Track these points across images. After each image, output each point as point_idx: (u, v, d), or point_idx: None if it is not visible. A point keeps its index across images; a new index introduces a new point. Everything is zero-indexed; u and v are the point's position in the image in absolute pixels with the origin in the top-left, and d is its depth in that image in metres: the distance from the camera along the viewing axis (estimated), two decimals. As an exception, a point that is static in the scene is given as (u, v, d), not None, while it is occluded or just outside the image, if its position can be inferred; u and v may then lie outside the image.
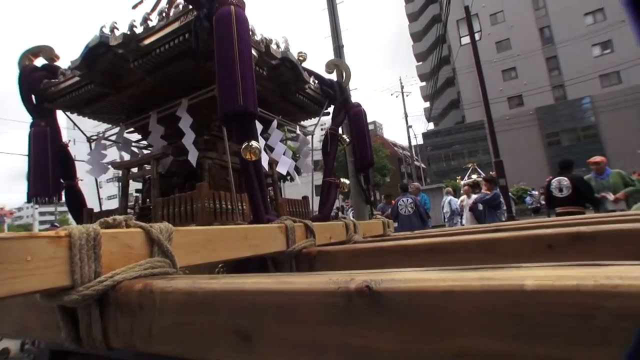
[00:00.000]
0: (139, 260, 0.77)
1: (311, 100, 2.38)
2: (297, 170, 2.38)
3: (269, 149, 2.08)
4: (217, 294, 0.54)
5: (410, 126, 29.35)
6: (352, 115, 2.43)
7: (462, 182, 15.52)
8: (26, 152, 2.04)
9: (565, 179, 4.88)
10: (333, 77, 2.66)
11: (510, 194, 9.10)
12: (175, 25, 1.52)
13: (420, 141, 38.56)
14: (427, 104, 39.86)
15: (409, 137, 29.43)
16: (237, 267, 1.46)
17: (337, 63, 2.63)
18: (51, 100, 2.05)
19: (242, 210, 1.71)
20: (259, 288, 0.51)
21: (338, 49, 6.34)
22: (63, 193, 2.17)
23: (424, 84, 40.48)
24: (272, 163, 2.11)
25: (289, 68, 2.01)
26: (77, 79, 1.87)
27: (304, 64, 2.36)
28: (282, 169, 2.00)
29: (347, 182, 2.27)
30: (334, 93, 2.46)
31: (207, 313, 0.55)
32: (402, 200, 7.04)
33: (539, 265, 0.47)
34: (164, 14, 1.67)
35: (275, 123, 2.03)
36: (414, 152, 37.43)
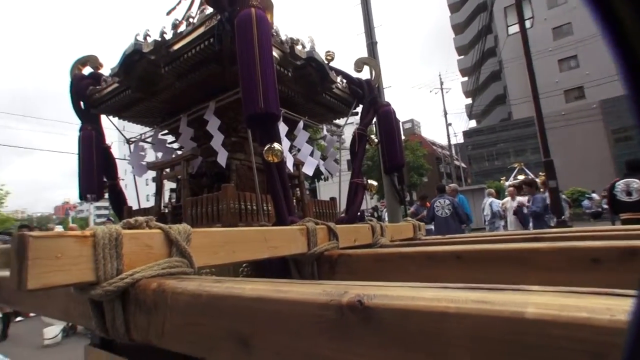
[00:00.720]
0: (158, 260, 0.82)
1: (339, 100, 2.37)
2: (328, 171, 2.39)
3: (295, 150, 2.11)
4: (219, 297, 0.57)
5: (450, 124, 28.38)
6: (381, 115, 2.40)
7: (507, 183, 14.69)
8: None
9: (636, 181, 4.33)
10: (363, 76, 2.64)
11: (563, 196, 8.43)
12: (201, 30, 1.58)
13: (461, 140, 37.20)
14: (469, 100, 38.39)
15: (448, 135, 28.50)
16: (260, 267, 1.50)
17: (366, 61, 2.60)
18: (95, 106, 2.20)
19: (267, 211, 1.75)
20: (257, 295, 0.53)
21: (371, 45, 6.27)
22: (106, 192, 2.33)
23: (465, 79, 39.02)
24: (299, 164, 2.13)
25: (314, 68, 2.01)
26: (116, 85, 2.00)
27: (332, 63, 2.37)
28: (308, 170, 2.02)
29: (375, 183, 2.24)
30: (363, 92, 2.44)
31: (210, 316, 0.57)
32: (439, 202, 6.84)
33: (548, 289, 0.43)
34: (190, 19, 1.74)
35: (301, 124, 2.05)
36: (453, 151, 36.18)
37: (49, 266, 0.64)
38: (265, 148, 1.40)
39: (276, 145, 1.42)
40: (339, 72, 2.42)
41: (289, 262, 1.44)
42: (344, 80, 2.43)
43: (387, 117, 2.40)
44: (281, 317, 0.49)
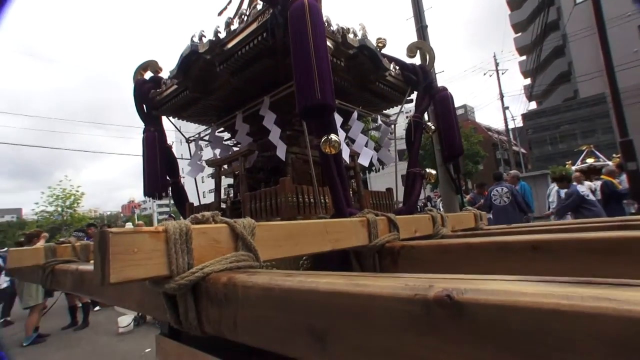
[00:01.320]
0: (225, 254, 0.82)
1: (392, 87, 2.29)
2: (380, 161, 2.32)
3: (350, 140, 2.07)
4: (292, 291, 0.55)
5: (507, 107, 26.55)
6: (437, 101, 2.28)
7: (574, 168, 13.36)
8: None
9: None
10: (416, 61, 2.52)
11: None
12: (254, 25, 1.58)
13: (519, 123, 34.75)
14: (528, 81, 35.69)
15: (505, 119, 26.66)
16: (320, 260, 1.48)
17: (420, 45, 2.48)
18: (157, 108, 2.32)
19: (324, 204, 1.73)
20: (332, 289, 0.50)
21: (421, 29, 6.01)
22: (170, 190, 2.46)
23: (523, 57, 36.27)
24: (354, 155, 2.09)
25: (367, 56, 1.95)
26: (175, 87, 2.08)
27: (384, 51, 2.28)
28: (364, 160, 1.97)
29: (434, 172, 2.13)
30: (417, 78, 2.33)
31: (283, 310, 0.55)
32: (497, 190, 6.43)
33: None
34: (243, 17, 1.76)
35: (355, 114, 2.00)
36: (511, 136, 33.89)
37: (127, 261, 0.67)
38: (322, 140, 1.37)
39: (333, 136, 1.39)
40: (391, 59, 2.33)
41: (349, 254, 1.41)
42: (397, 67, 2.33)
43: (444, 102, 2.27)
44: (359, 312, 0.46)
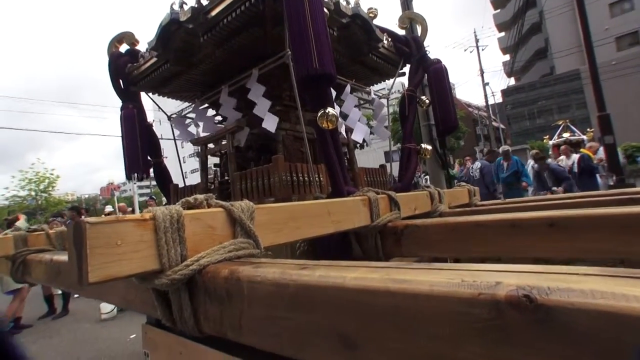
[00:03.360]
0: (222, 242, 0.73)
1: (385, 60, 2.17)
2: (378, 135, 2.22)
3: (343, 116, 1.96)
4: (312, 288, 0.46)
5: (487, 83, 26.66)
6: (431, 73, 2.18)
7: (551, 142, 13.66)
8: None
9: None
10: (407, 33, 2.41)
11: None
12: (241, -10, 1.43)
13: (499, 99, 35.15)
14: (507, 57, 35.89)
15: (485, 95, 26.74)
16: (318, 242, 1.40)
17: (412, 16, 2.36)
18: (135, 83, 2.14)
19: (319, 182, 1.64)
20: (364, 286, 0.41)
21: (406, 2, 5.82)
22: (152, 170, 2.31)
23: (502, 34, 36.32)
24: (347, 131, 1.99)
25: (360, 26, 1.83)
26: (154, 60, 1.91)
27: (375, 22, 2.16)
28: (357, 137, 1.87)
29: (429, 147, 2.07)
30: (410, 50, 2.22)
31: (302, 310, 0.47)
32: (474, 164, 6.81)
33: None
34: None
35: (348, 88, 1.89)
36: (491, 112, 34.26)
37: (109, 255, 0.57)
38: (319, 114, 1.27)
39: (330, 110, 1.29)
40: (383, 30, 2.21)
41: (349, 235, 1.33)
42: (389, 39, 2.21)
43: (438, 75, 2.18)
44: (402, 314, 0.38)
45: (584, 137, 12.49)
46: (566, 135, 13.59)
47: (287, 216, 0.90)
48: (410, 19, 2.38)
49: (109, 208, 11.89)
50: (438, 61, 2.23)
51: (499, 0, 36.31)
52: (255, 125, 1.81)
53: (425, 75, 2.22)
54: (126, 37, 2.27)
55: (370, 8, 2.16)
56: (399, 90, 2.99)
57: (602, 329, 0.27)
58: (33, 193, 23.60)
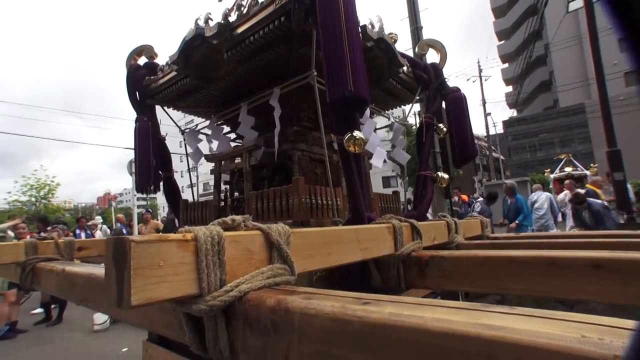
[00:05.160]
0: (258, 266, 0.69)
1: (403, 85, 2.19)
2: (393, 160, 2.21)
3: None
4: (381, 327, 0.42)
5: (489, 114, 26.99)
6: (450, 101, 2.19)
7: (552, 176, 13.61)
8: (131, 146, 2.17)
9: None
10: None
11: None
12: (270, 8, 1.44)
13: (500, 130, 35.52)
14: (509, 88, 36.52)
15: (486, 125, 27.07)
16: (336, 269, 1.35)
17: (431, 43, 2.39)
18: (151, 96, 2.14)
19: (337, 207, 1.61)
20: (449, 329, 0.38)
21: (416, 31, 5.95)
22: (161, 184, 2.28)
23: (506, 65, 37.08)
24: (366, 155, 1.98)
25: (383, 50, 1.84)
26: (173, 74, 1.92)
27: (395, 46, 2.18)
28: (377, 161, 1.85)
29: (446, 176, 2.05)
30: (429, 77, 2.24)
31: (368, 351, 0.43)
32: (475, 206, 6.96)
33: None
34: (242, 8, 1.60)
35: (368, 112, 1.88)
36: (491, 143, 34.50)
37: (151, 277, 0.53)
38: (346, 137, 1.25)
39: (357, 133, 1.27)
40: (403, 56, 2.23)
41: (369, 263, 1.29)
42: (408, 65, 2.23)
43: (456, 103, 2.19)
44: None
45: (587, 172, 12.49)
46: (568, 169, 13.61)
47: (321, 241, 0.87)
48: (430, 46, 2.41)
49: (98, 218, 11.74)
50: (457, 89, 2.24)
51: (504, 31, 37.26)
52: (270, 145, 1.79)
53: (443, 103, 2.23)
54: (145, 50, 2.29)
55: (391, 33, 2.19)
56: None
57: None
58: (33, 199, 23.50)
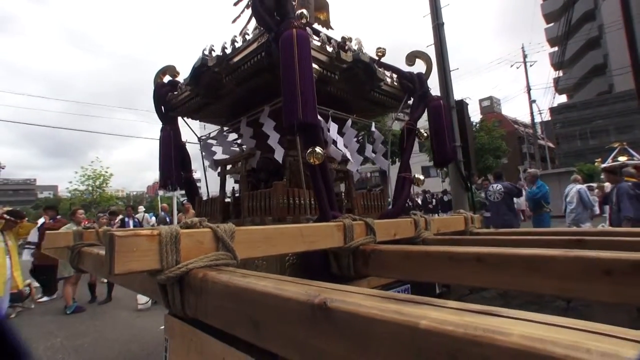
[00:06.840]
0: (207, 253, 1.03)
1: (388, 95, 2.43)
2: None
3: (344, 146, 2.23)
4: (241, 289, 0.74)
5: (534, 100, 25.61)
6: (431, 109, 2.40)
7: (603, 165, 12.56)
8: (156, 152, 2.60)
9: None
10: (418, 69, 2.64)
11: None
12: (254, 45, 1.77)
13: (547, 117, 33.48)
14: (558, 73, 34.25)
15: (531, 112, 25.76)
16: (304, 257, 1.68)
17: (418, 55, 2.59)
18: (173, 109, 2.56)
19: (314, 206, 1.92)
20: (262, 289, 0.69)
21: (437, 27, 6.00)
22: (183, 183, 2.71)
23: (554, 49, 34.74)
24: (347, 160, 2.26)
25: (361, 69, 2.10)
26: (188, 92, 2.30)
27: (384, 59, 2.43)
28: (353, 167, 2.13)
29: (422, 177, 2.28)
30: (414, 86, 2.46)
31: (234, 302, 0.75)
32: (492, 187, 6.77)
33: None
34: (246, 35, 1.94)
35: (349, 122, 2.16)
36: (538, 130, 32.66)
37: (128, 256, 0.88)
38: (308, 151, 1.56)
39: (317, 148, 1.57)
40: (389, 67, 2.47)
41: (328, 254, 1.60)
42: (394, 75, 2.47)
43: (436, 111, 2.40)
44: (279, 308, 0.65)
45: (644, 163, 11.50)
46: (622, 158, 12.49)
47: (263, 237, 1.19)
48: (416, 57, 2.62)
49: (141, 209, 12.91)
50: (438, 98, 2.45)
51: (552, 13, 34.96)
52: (266, 151, 2.13)
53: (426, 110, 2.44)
54: (169, 69, 2.70)
55: (379, 48, 2.44)
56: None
57: (350, 321, 0.54)
58: (90, 188, 25.89)
